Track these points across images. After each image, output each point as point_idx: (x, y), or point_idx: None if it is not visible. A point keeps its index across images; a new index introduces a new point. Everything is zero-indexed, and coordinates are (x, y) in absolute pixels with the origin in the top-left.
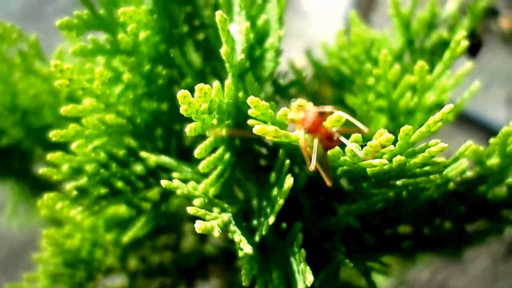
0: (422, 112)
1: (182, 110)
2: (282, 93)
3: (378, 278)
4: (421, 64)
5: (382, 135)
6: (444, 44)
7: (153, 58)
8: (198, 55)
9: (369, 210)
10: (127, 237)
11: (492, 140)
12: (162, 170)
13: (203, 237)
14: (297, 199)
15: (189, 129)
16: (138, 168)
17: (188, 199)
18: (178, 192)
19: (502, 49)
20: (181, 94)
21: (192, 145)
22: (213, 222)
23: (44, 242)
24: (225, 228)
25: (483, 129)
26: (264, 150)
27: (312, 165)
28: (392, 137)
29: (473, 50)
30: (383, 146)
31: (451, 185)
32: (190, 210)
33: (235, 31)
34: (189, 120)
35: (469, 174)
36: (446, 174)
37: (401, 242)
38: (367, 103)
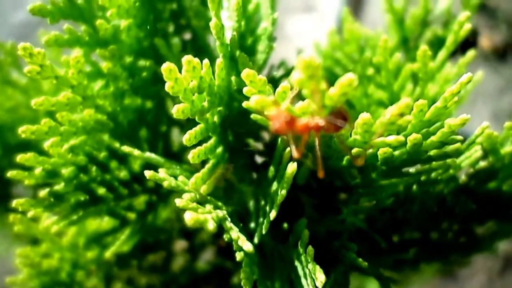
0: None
1: (168, 87)
2: (275, 86)
3: None
4: (424, 49)
5: (402, 101)
6: (439, 41)
7: (136, 50)
8: (186, 54)
9: (376, 207)
10: (109, 252)
11: (507, 124)
12: None
13: (194, 254)
14: (297, 200)
15: (176, 110)
16: (122, 173)
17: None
18: (165, 184)
19: (483, 67)
20: (166, 67)
21: (180, 151)
22: (207, 215)
23: (18, 262)
24: (219, 223)
25: None
26: (260, 146)
27: (294, 153)
28: (411, 103)
29: (467, 47)
30: (402, 115)
31: (463, 178)
32: (179, 202)
33: (225, 17)
34: (178, 123)
35: (482, 164)
36: (459, 163)
37: (408, 248)
38: (367, 95)
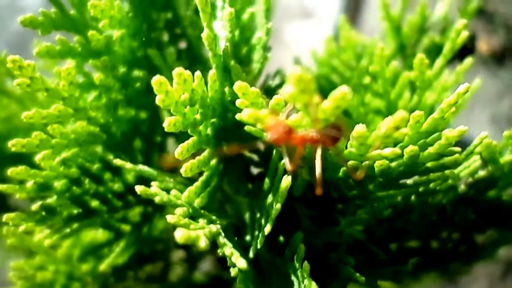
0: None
1: (159, 100)
2: (271, 95)
3: None
4: (420, 57)
5: (397, 114)
6: (436, 49)
7: (129, 60)
8: (180, 64)
9: (374, 219)
10: (104, 265)
11: (505, 133)
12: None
13: (192, 265)
14: (293, 211)
15: (168, 124)
16: (116, 185)
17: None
18: (157, 199)
19: (482, 71)
20: (157, 80)
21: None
22: (199, 232)
23: (12, 275)
24: (213, 240)
25: None
26: (255, 157)
27: (288, 166)
28: (407, 116)
29: (465, 54)
30: (397, 128)
31: (462, 187)
32: (170, 218)
33: (219, 27)
34: (173, 133)
35: (481, 173)
36: (458, 173)
37: (408, 258)
38: (363, 104)
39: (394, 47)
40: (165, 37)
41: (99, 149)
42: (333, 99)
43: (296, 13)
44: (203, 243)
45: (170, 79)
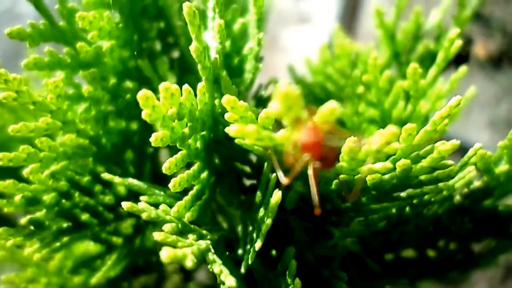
0: (417, 122)
1: (145, 115)
2: (264, 106)
3: None
4: (413, 66)
5: (387, 129)
6: (431, 56)
7: (120, 71)
8: (173, 73)
9: (369, 231)
10: (95, 279)
11: (500, 143)
12: (135, 198)
13: (188, 275)
14: (287, 223)
15: (155, 139)
16: (107, 197)
17: None
18: (144, 216)
19: (479, 75)
20: (142, 94)
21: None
22: (186, 250)
23: None
24: (202, 257)
25: None
26: (248, 169)
27: (282, 180)
28: (398, 131)
29: (460, 61)
30: (388, 143)
31: (457, 198)
32: (157, 236)
33: (210, 38)
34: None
35: (476, 184)
36: (453, 184)
37: (404, 268)
38: (357, 113)
39: (389, 54)
40: (158, 46)
41: (89, 161)
42: (322, 115)
43: (293, 19)
44: (189, 263)
45: None
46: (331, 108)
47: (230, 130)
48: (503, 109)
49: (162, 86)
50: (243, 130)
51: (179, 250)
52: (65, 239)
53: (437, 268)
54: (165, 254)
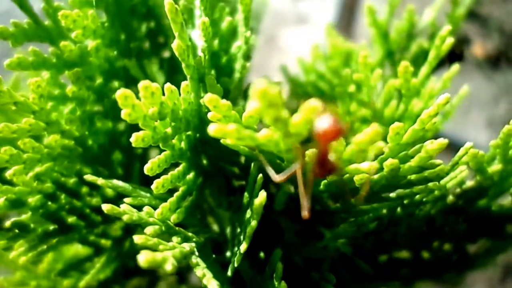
0: (410, 121)
1: (125, 114)
2: None
3: None
4: (404, 64)
5: (371, 128)
6: (425, 55)
7: (106, 71)
8: (162, 73)
9: (360, 232)
10: (84, 282)
11: (492, 142)
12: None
13: (181, 277)
14: (278, 224)
15: (135, 139)
16: (94, 199)
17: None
18: (125, 218)
19: (477, 75)
20: (121, 93)
21: (160, 173)
22: (166, 253)
23: None
24: (185, 260)
25: None
26: (236, 169)
27: (275, 178)
28: (381, 130)
29: (454, 59)
30: (372, 142)
31: (450, 198)
32: (137, 239)
33: (197, 36)
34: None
35: (469, 184)
36: (444, 184)
37: (398, 269)
38: (349, 113)
39: (382, 53)
40: (147, 44)
41: (76, 163)
42: (304, 113)
43: (292, 19)
44: (169, 267)
45: None
46: (312, 106)
47: (210, 130)
48: (501, 108)
49: (141, 84)
50: (223, 130)
51: (159, 254)
52: (52, 242)
53: (432, 269)
54: (143, 258)
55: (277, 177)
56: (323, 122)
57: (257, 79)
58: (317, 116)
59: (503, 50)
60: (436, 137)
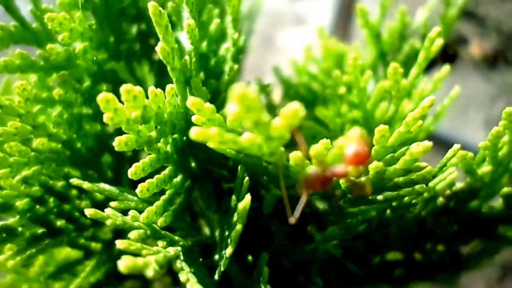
0: (400, 123)
1: (107, 119)
2: None
3: None
4: (394, 66)
5: (350, 132)
6: (417, 56)
7: (94, 74)
8: (153, 75)
9: (349, 234)
10: (74, 285)
11: (481, 144)
12: None
13: (175, 278)
14: (267, 227)
15: (118, 143)
16: (83, 202)
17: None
18: (108, 223)
19: (475, 75)
20: (103, 97)
21: (150, 175)
22: (149, 258)
23: None
24: (168, 265)
25: None
26: (225, 172)
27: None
28: (363, 131)
29: (448, 60)
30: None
31: (440, 200)
32: (119, 244)
33: (185, 39)
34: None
35: (459, 186)
36: (433, 186)
37: (391, 271)
38: (340, 115)
39: (375, 54)
40: (137, 46)
41: (64, 166)
42: (285, 117)
43: (289, 20)
44: (150, 272)
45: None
46: (294, 110)
47: (192, 133)
48: (499, 108)
49: (123, 88)
50: (205, 133)
51: (140, 259)
52: (41, 245)
53: (425, 270)
54: (123, 264)
55: (292, 219)
56: (355, 147)
57: (253, 79)
58: (350, 141)
59: (501, 50)
60: (433, 137)
